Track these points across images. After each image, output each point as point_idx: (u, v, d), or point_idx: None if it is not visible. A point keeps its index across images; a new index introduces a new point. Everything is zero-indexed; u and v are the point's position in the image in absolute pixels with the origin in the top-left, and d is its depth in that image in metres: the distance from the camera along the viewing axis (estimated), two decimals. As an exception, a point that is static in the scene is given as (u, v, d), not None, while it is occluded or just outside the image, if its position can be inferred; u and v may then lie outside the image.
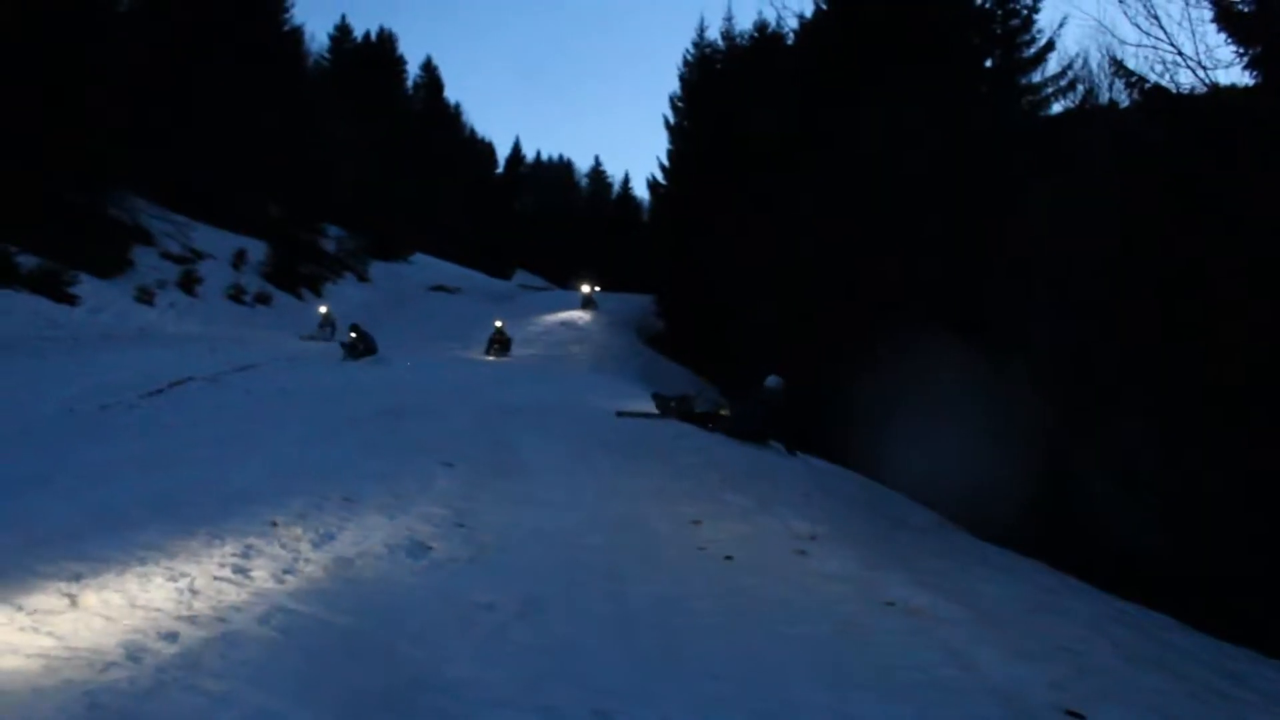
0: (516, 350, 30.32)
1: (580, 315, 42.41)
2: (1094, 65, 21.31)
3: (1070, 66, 22.43)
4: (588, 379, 22.50)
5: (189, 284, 31.54)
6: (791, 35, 33.25)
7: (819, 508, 10.01)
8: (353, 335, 22.02)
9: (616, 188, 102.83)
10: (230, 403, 13.40)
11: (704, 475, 10.67)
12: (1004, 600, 7.32)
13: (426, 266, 55.47)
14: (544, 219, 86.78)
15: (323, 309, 31.33)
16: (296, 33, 52.41)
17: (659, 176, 49.37)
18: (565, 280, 76.47)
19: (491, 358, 28.65)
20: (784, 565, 7.13)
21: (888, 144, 19.10)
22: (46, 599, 4.71)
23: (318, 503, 7.21)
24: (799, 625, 5.72)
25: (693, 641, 5.12)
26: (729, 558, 7.03)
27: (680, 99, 46.67)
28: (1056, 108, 22.68)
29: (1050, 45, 23.01)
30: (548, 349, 32.66)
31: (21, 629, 4.30)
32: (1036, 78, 23.18)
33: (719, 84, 40.59)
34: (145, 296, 28.64)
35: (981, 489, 12.29)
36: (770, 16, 57.37)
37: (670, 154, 47.66)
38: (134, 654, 4.14)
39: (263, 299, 34.34)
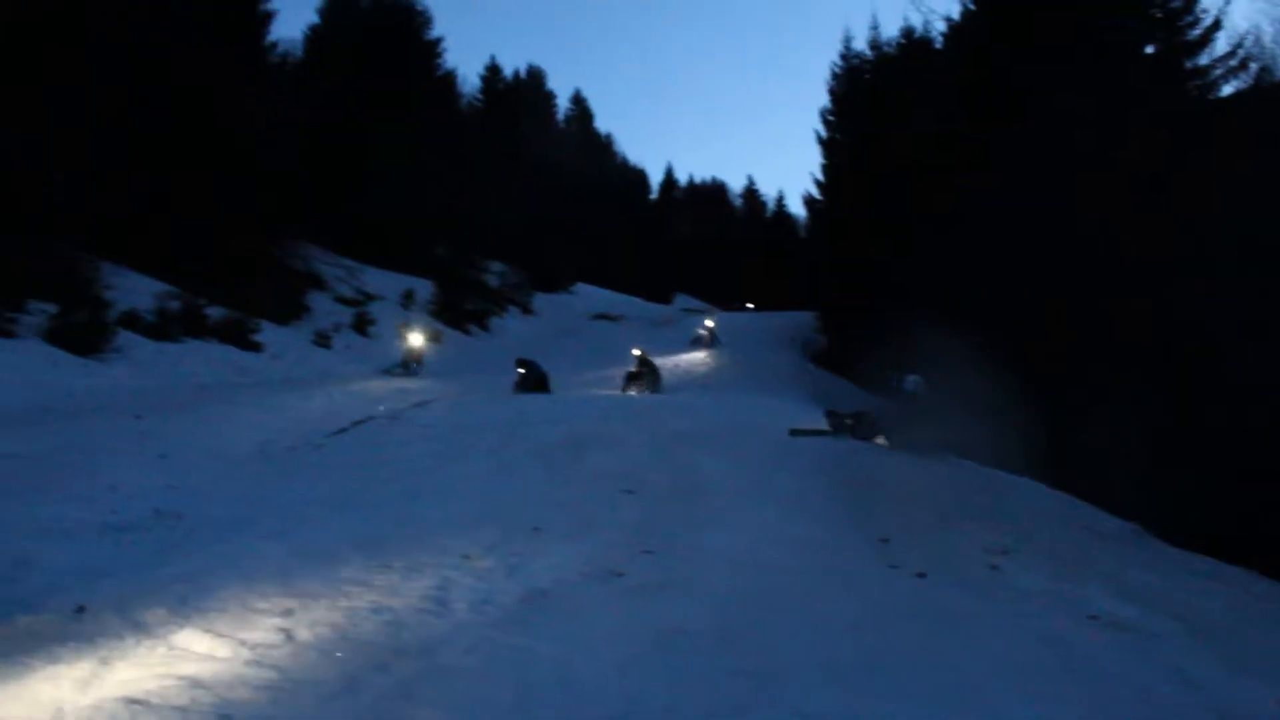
0: (680, 376, 29.63)
1: (699, 356, 34.49)
2: (1267, 40, 20.30)
3: (1240, 44, 21.37)
4: (756, 399, 22.33)
5: (362, 325, 32.55)
6: (940, 39, 32.68)
7: (1007, 520, 9.71)
8: (521, 371, 22.29)
9: (771, 206, 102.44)
10: (411, 438, 13.72)
11: (884, 491, 10.47)
12: (1217, 611, 6.95)
13: (588, 296, 56.19)
14: (700, 242, 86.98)
15: (413, 341, 26.86)
16: (449, 77, 53.88)
17: (814, 192, 48.97)
18: (726, 301, 76.49)
19: (634, 393, 23.02)
20: (978, 580, 6.93)
21: (1050, 141, 18.54)
22: (265, 634, 4.89)
23: (506, 534, 7.31)
24: (999, 641, 5.54)
25: (893, 661, 5.00)
26: (921, 574, 6.85)
27: (830, 112, 46.21)
28: (1227, 89, 21.62)
29: (1217, 24, 21.97)
30: (711, 372, 32.56)
31: (246, 663, 4.50)
32: (1204, 60, 22.17)
33: (869, 94, 40.13)
34: (322, 340, 29.66)
35: (1181, 497, 11.71)
36: (916, 21, 56.52)
37: (824, 168, 47.21)
38: (352, 686, 4.27)
39: (434, 337, 35.20)
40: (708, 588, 6.11)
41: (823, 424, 15.31)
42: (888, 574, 6.91)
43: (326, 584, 5.83)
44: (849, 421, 14.81)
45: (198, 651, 4.74)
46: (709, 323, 37.45)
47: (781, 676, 4.57)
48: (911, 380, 14.52)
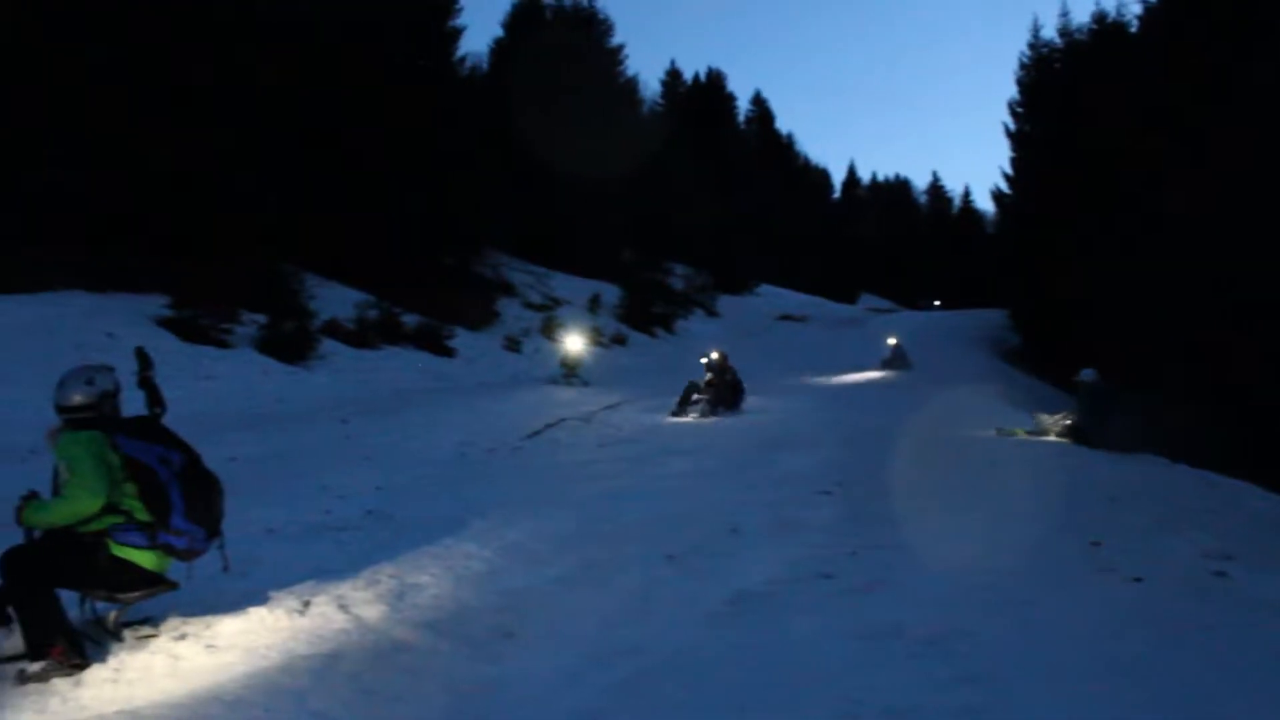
0: (866, 379, 29.02)
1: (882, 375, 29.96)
2: None
3: None
4: (947, 398, 21.77)
5: (550, 330, 33.15)
6: (1135, 21, 31.41)
7: (1227, 524, 9.18)
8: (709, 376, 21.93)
9: (957, 202, 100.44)
10: (605, 439, 13.89)
11: (1093, 493, 10.06)
12: None
13: (772, 297, 56.02)
14: (884, 240, 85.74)
15: (570, 347, 24.94)
16: (631, 83, 54.47)
17: (1003, 186, 47.78)
18: (912, 300, 75.14)
19: (691, 418, 17.48)
20: (1202, 587, 6.56)
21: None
22: (482, 630, 5.04)
23: (707, 534, 7.31)
24: (1232, 652, 5.21)
25: (1119, 669, 4.75)
26: (1138, 579, 6.53)
27: (1019, 104, 44.98)
28: None
29: None
30: (897, 373, 31.86)
31: (467, 658, 4.66)
32: None
33: (1060, 83, 38.85)
34: (512, 345, 30.31)
35: None
36: (1109, 5, 54.41)
37: (1013, 162, 46.02)
38: (572, 682, 4.38)
39: (619, 340, 35.56)
40: (918, 590, 5.94)
41: (1022, 424, 14.88)
42: (1103, 578, 6.60)
43: (535, 582, 5.93)
44: (1051, 423, 14.35)
45: (420, 647, 4.88)
46: (892, 341, 32.14)
47: (1006, 682, 4.39)
48: (1087, 374, 14.08)
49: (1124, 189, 24.03)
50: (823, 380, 27.12)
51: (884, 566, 6.46)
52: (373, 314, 25.32)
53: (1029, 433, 14.33)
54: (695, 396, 18.06)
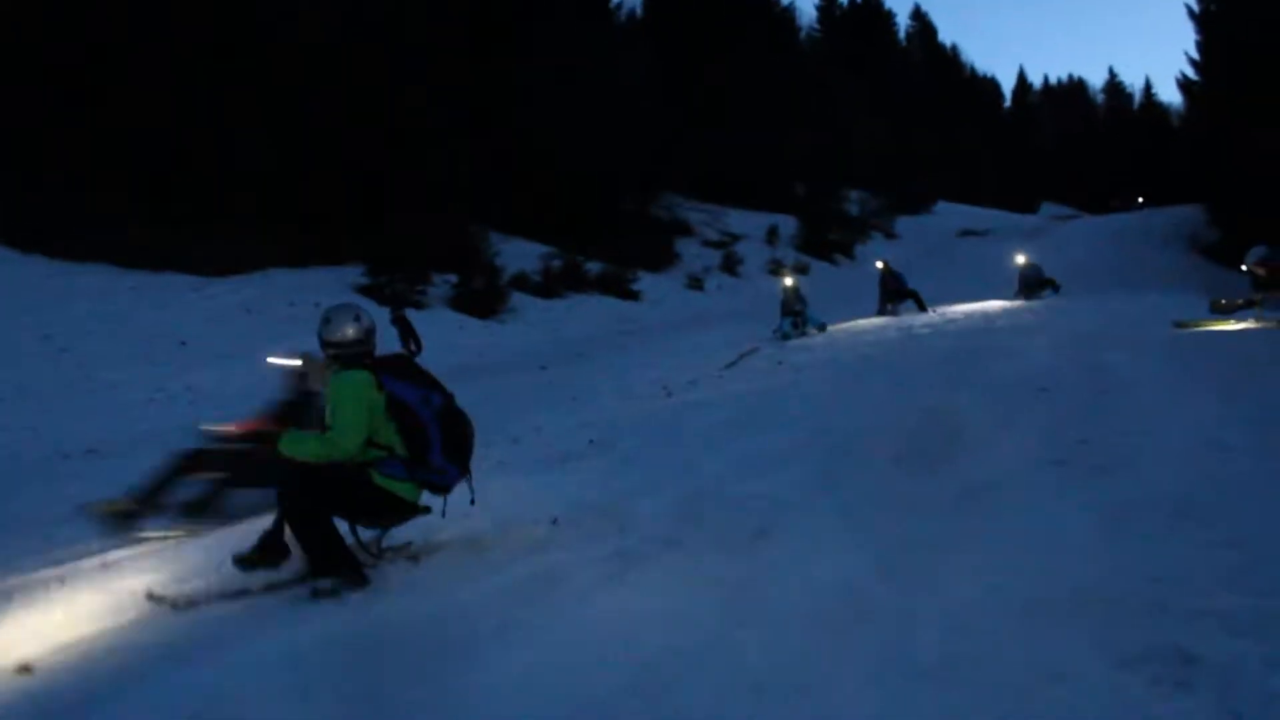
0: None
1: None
2: None
3: None
4: (1149, 300, 20.89)
5: (730, 265, 33.27)
6: None
7: None
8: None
9: (1138, 97, 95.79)
10: (803, 365, 13.86)
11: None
12: None
13: (950, 214, 54.77)
14: (1063, 145, 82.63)
15: (787, 280, 21.00)
16: (788, 12, 53.72)
17: (1190, 73, 45.17)
18: (1098, 205, 72.26)
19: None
20: None
21: None
22: (734, 542, 5.17)
23: (925, 438, 7.28)
24: None
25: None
26: None
27: (1202, -19, 42.46)
28: None
29: None
30: (1090, 277, 30.65)
31: (728, 560, 4.81)
32: None
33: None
34: (694, 283, 30.55)
35: None
36: None
37: (1200, 45, 43.47)
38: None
39: (800, 269, 35.36)
40: (1156, 470, 5.80)
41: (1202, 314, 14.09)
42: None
43: (776, 489, 6.05)
44: (1224, 303, 13.57)
45: (686, 545, 5.10)
46: (1021, 259, 24.88)
47: (1267, 548, 4.27)
48: (1255, 252, 13.26)
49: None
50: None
51: (1117, 451, 6.31)
52: (556, 264, 25.84)
53: (1208, 321, 13.52)
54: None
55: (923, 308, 21.24)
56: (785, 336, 18.46)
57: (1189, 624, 3.41)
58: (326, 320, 5.29)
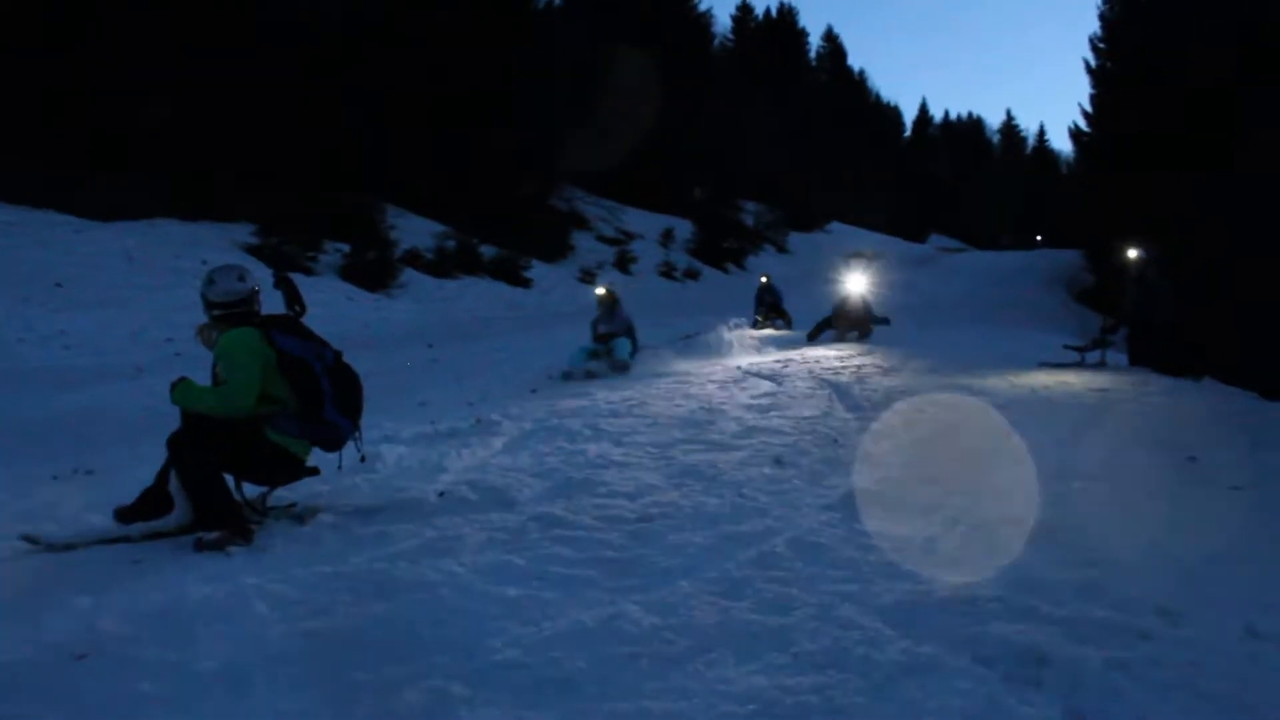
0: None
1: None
2: None
3: None
4: (1018, 333, 21.61)
5: (624, 263, 33.43)
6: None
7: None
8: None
9: (1031, 140, 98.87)
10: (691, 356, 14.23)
11: (1183, 417, 10.08)
12: None
13: (842, 235, 55.79)
14: (956, 179, 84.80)
15: (600, 290, 15.94)
16: (703, 18, 54.17)
17: (1081, 124, 46.75)
18: (984, 240, 74.27)
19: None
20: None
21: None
22: (620, 519, 5.33)
23: (797, 442, 7.55)
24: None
25: (1234, 558, 4.90)
26: (1237, 487, 6.67)
27: (1101, 39, 43.91)
28: None
29: None
30: (981, 309, 31.51)
31: (604, 538, 4.95)
32: None
33: (1147, 15, 37.88)
34: (587, 277, 30.61)
35: None
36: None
37: (1093, 99, 45.03)
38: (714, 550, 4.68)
39: (691, 274, 35.79)
40: (1024, 490, 6.14)
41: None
42: (1204, 489, 6.75)
43: (659, 481, 6.23)
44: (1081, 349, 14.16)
45: (579, 524, 5.22)
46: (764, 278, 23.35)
47: (1124, 570, 4.57)
48: (1133, 251, 14.07)
49: (1212, 126, 23.59)
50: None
51: (986, 479, 6.64)
52: (451, 245, 25.72)
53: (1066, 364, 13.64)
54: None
55: (788, 326, 21.43)
56: (568, 376, 13.12)
57: (1043, 629, 3.70)
58: (210, 280, 5.30)
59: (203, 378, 5.31)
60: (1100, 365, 13.58)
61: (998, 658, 3.45)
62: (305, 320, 5.52)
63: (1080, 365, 13.71)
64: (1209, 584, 4.45)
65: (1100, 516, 5.60)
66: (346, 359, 5.53)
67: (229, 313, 5.24)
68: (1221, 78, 24.03)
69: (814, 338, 17.80)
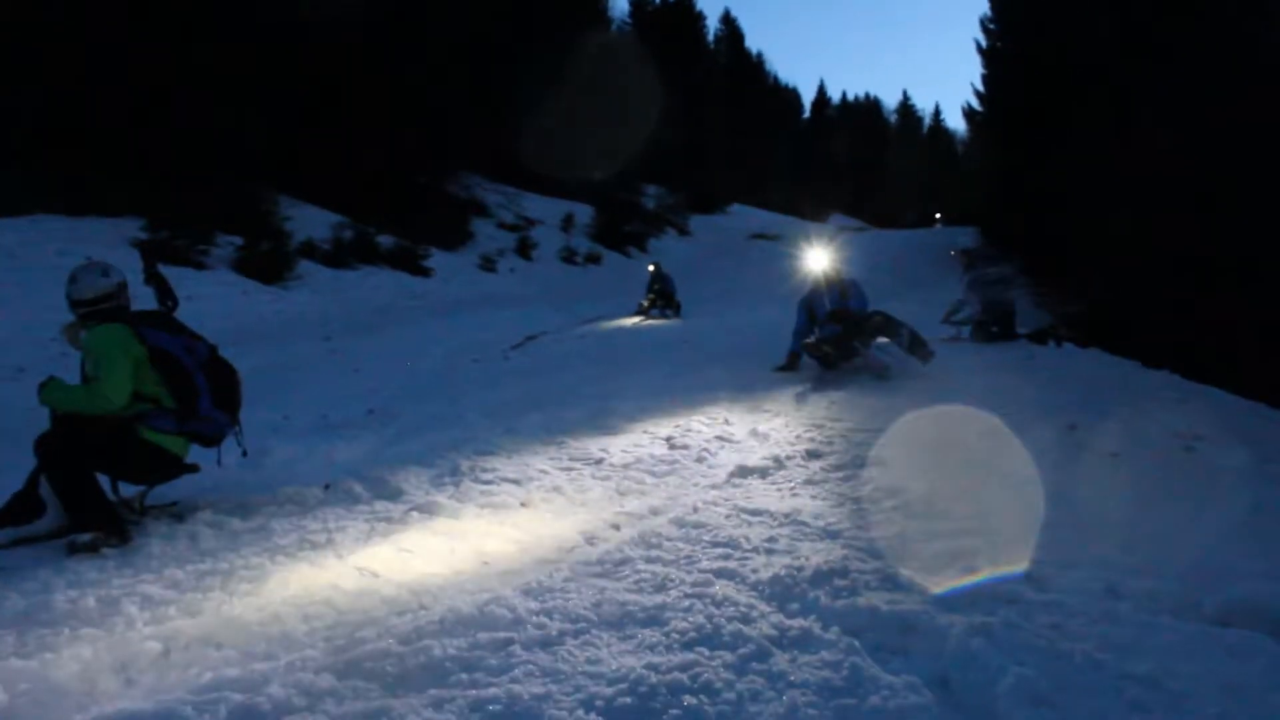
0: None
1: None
2: None
3: None
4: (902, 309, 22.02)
5: (525, 249, 33.23)
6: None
7: (1191, 408, 9.47)
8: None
9: (927, 120, 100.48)
10: (580, 351, 14.23)
11: (1067, 384, 10.36)
12: None
13: (743, 216, 56.08)
14: (855, 160, 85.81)
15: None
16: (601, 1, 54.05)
17: (974, 104, 47.59)
18: (884, 221, 75.26)
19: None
20: (1176, 461, 6.89)
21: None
22: (505, 505, 5.33)
23: (689, 424, 7.64)
24: (1210, 510, 5.51)
25: (1105, 522, 5.04)
26: (1115, 454, 6.87)
27: (991, 20, 44.62)
28: None
29: None
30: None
31: (489, 524, 4.94)
32: None
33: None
34: (487, 264, 30.38)
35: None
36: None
37: (985, 79, 45.80)
38: (590, 539, 4.67)
39: (593, 259, 35.67)
40: (907, 465, 6.26)
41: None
42: (1078, 452, 6.95)
43: (547, 469, 6.22)
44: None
45: (461, 514, 5.21)
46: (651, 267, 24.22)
47: (997, 533, 4.69)
48: (961, 239, 14.89)
49: (1092, 105, 24.11)
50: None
51: (869, 448, 6.78)
52: (348, 235, 25.34)
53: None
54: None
55: (677, 315, 21.84)
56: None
57: (912, 597, 3.85)
58: (73, 279, 5.15)
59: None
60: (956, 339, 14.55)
61: (866, 628, 3.52)
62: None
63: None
64: (1077, 548, 4.57)
65: (979, 488, 5.75)
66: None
67: (94, 309, 5.10)
68: (1100, 54, 24.54)
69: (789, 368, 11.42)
